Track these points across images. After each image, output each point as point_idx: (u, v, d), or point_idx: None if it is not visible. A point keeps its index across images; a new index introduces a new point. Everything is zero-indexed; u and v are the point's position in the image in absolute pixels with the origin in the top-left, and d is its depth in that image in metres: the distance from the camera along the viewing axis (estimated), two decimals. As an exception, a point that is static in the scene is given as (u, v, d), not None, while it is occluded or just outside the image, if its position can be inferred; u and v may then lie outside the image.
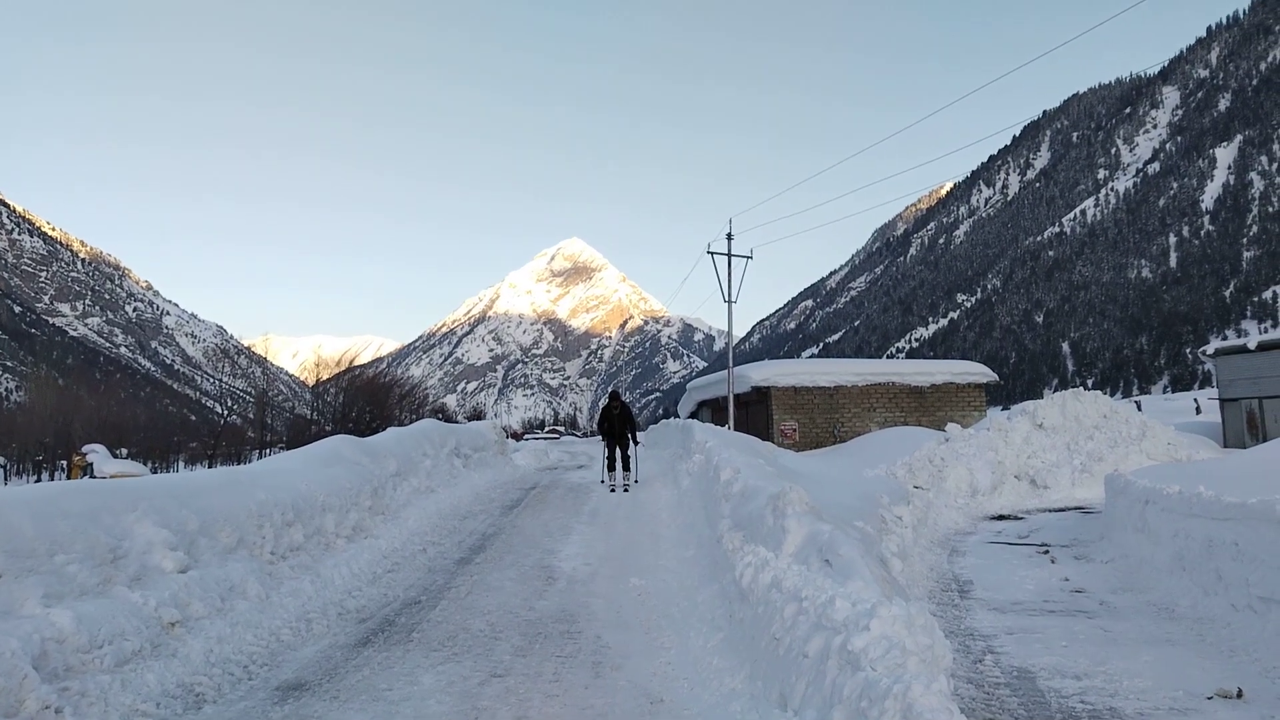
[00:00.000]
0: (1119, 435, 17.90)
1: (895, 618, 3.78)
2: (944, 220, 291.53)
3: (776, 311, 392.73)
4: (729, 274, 31.78)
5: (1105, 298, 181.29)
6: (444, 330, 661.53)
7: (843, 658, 3.79)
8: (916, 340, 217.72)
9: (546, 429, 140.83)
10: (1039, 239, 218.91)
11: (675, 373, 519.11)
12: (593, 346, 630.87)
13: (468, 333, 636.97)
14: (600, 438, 16.57)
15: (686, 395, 40.20)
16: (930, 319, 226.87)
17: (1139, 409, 22.28)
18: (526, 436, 75.35)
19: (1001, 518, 14.59)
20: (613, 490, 14.89)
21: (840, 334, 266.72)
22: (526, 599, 7.76)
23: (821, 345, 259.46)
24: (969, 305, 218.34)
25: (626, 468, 15.57)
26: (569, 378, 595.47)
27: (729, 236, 31.92)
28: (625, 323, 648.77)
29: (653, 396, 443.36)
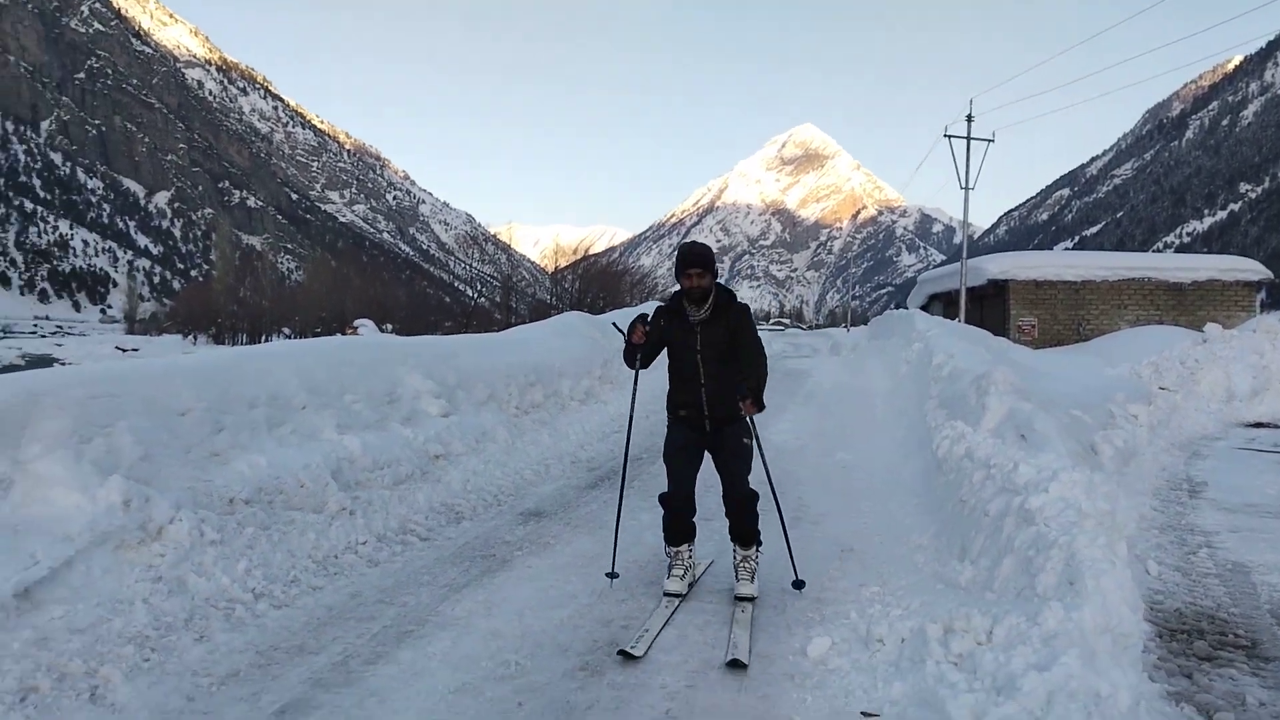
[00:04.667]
0: None
1: (1075, 482, 3.97)
2: (1230, 99, 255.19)
3: (1027, 201, 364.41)
4: (967, 159, 30.25)
5: None
6: (673, 221, 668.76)
7: (1019, 516, 4.04)
8: (1188, 235, 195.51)
9: (771, 321, 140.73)
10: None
11: (910, 266, 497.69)
12: (822, 238, 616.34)
13: (696, 223, 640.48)
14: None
15: (917, 288, 38.95)
16: (1206, 211, 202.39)
17: None
18: (752, 327, 75.78)
19: (1259, 425, 13.45)
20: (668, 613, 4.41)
21: (1099, 227, 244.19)
22: (738, 463, 8.38)
23: (1077, 239, 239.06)
24: (1254, 196, 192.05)
25: (743, 541, 4.67)
26: (795, 270, 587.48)
27: (969, 118, 30.28)
28: (858, 213, 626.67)
29: (884, 291, 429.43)
